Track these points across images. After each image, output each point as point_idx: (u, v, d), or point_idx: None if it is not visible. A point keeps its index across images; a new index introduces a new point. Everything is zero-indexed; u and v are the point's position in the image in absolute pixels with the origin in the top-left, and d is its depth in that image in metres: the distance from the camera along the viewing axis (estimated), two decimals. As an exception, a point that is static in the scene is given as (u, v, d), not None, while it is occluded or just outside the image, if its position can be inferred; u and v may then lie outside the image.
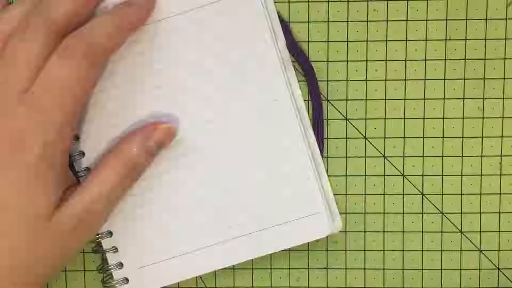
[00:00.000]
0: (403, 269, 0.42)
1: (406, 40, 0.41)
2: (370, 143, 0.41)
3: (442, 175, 0.41)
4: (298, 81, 0.40)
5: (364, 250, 0.42)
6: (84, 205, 0.36)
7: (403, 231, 0.42)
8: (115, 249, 0.40)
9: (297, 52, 0.40)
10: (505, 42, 0.41)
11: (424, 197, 0.42)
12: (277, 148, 0.40)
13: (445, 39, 0.41)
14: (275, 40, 0.39)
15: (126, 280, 0.40)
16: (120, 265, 0.40)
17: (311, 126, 0.40)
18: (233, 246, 0.40)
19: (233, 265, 0.41)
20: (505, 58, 0.41)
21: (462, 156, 0.41)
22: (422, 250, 0.42)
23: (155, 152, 0.38)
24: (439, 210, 0.42)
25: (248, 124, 0.39)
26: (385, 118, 0.41)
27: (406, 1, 0.40)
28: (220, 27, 0.39)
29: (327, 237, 0.42)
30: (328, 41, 0.41)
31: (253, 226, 0.40)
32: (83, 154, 0.39)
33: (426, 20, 0.40)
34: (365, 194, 0.41)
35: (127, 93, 0.39)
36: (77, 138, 0.39)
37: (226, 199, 0.40)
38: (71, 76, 0.35)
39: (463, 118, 0.41)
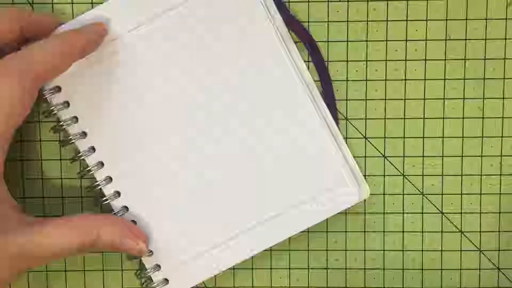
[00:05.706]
0: (403, 269, 0.42)
1: (406, 40, 0.41)
2: (370, 143, 0.41)
3: (442, 175, 0.41)
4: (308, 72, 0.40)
5: (364, 250, 0.42)
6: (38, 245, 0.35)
7: (403, 231, 0.42)
8: (150, 252, 0.40)
9: (294, 26, 0.40)
10: (505, 42, 0.41)
11: (424, 197, 0.42)
12: (291, 124, 0.40)
13: (445, 39, 0.41)
14: (271, 17, 0.39)
15: (166, 281, 0.40)
16: (158, 267, 0.40)
17: (323, 99, 0.40)
18: (266, 230, 0.40)
19: (233, 265, 0.40)
20: (505, 58, 0.41)
21: (462, 156, 0.41)
22: (422, 250, 0.42)
23: (114, 248, 0.37)
24: (439, 210, 0.42)
25: (260, 105, 0.40)
26: (385, 118, 0.41)
27: (406, 1, 0.40)
28: (214, 12, 0.39)
29: (327, 236, 0.42)
30: (328, 41, 0.41)
31: (283, 207, 0.40)
32: (110, 178, 0.40)
33: (426, 20, 0.40)
34: (365, 194, 0.42)
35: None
36: (110, 179, 0.40)
37: (250, 184, 0.40)
38: (5, 94, 0.35)
39: (463, 118, 0.41)
